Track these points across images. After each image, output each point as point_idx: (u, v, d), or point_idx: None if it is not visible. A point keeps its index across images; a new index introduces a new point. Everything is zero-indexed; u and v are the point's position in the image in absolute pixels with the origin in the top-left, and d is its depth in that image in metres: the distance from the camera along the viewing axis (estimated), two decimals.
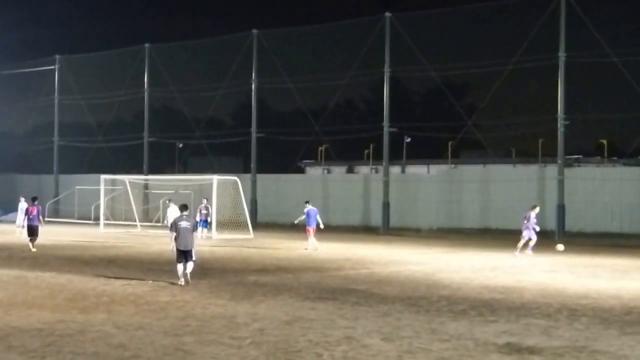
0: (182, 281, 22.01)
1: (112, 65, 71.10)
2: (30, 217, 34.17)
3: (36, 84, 74.04)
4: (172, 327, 14.93)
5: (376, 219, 56.91)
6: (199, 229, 38.44)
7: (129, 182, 54.70)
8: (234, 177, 47.34)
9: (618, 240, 46.02)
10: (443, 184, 57.55)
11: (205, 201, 43.64)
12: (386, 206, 56.14)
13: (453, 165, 69.45)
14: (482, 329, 15.40)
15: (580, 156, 63.74)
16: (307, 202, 39.05)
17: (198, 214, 42.41)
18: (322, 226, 37.87)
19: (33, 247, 33.68)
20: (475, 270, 27.88)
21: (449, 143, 69.30)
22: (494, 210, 54.28)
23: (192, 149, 72.25)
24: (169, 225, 24.44)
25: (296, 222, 38.99)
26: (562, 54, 49.13)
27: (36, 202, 34.94)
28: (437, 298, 19.84)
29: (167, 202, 45.14)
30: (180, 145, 76.02)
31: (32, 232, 34.03)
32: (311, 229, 37.29)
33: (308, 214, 37.63)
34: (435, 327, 15.52)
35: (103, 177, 51.97)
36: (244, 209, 45.92)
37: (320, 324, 15.65)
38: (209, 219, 42.71)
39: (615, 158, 66.79)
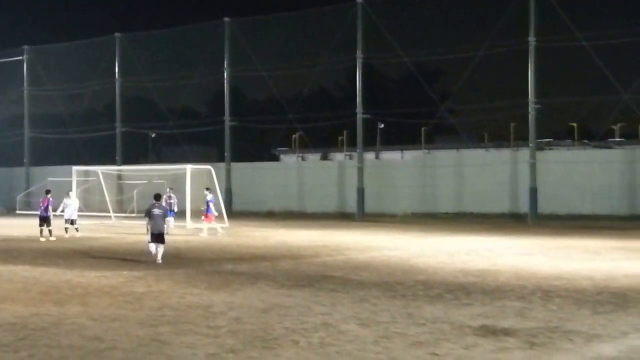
0: (156, 257, 24.86)
1: (82, 56, 70.61)
2: (43, 208, 35.55)
3: (5, 76, 73.46)
4: (148, 318, 14.91)
5: (351, 205, 57.02)
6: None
7: (102, 173, 54.41)
8: (208, 166, 47.24)
9: (590, 221, 46.37)
10: (417, 169, 57.72)
11: (169, 190, 43.51)
12: (361, 192, 56.28)
13: (427, 151, 69.58)
14: (458, 312, 15.50)
15: (552, 139, 64.01)
16: (207, 189, 39.61)
17: (164, 204, 42.26)
18: (216, 213, 39.41)
19: (42, 236, 35.17)
20: (451, 254, 28.01)
21: (422, 129, 69.44)
22: (468, 194, 54.53)
23: (165, 139, 72.05)
24: (145, 214, 26.48)
25: (203, 209, 39.50)
26: (532, 39, 49.39)
27: (49, 195, 36.32)
28: (413, 283, 19.92)
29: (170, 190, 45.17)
30: (153, 135, 75.70)
31: (44, 222, 35.42)
32: (212, 215, 38.52)
33: (210, 202, 38.33)
34: (412, 311, 15.60)
35: (75, 168, 51.67)
36: (218, 198, 45.85)
37: (296, 311, 15.68)
38: (175, 209, 42.57)
39: (585, 141, 67.16)
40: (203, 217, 38.85)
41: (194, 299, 17.39)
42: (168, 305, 16.41)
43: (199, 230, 38.54)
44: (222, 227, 39.69)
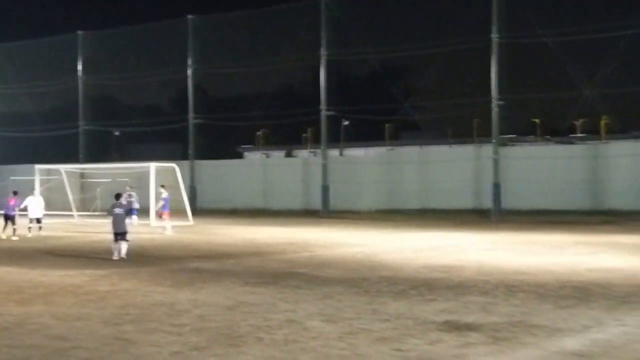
0: (115, 255, 25.18)
1: (45, 54, 70.11)
2: (9, 206, 35.89)
3: None
4: (112, 317, 14.85)
5: (316, 202, 57.09)
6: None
7: (65, 171, 54.00)
8: (172, 164, 47.06)
9: (552, 216, 46.72)
10: (382, 166, 57.91)
11: (128, 189, 43.30)
12: (326, 189, 56.34)
13: (391, 148, 69.77)
14: (422, 307, 15.56)
15: (515, 136, 64.42)
16: (162, 186, 39.63)
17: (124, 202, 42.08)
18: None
19: (4, 232, 35.57)
20: (416, 250, 28.12)
21: (387, 125, 69.61)
22: (433, 190, 54.80)
23: (130, 137, 71.77)
24: (107, 213, 27.53)
25: (157, 208, 39.55)
26: (494, 36, 49.70)
27: (16, 195, 36.71)
28: (377, 279, 19.97)
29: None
30: (117, 133, 75.33)
31: (9, 220, 35.73)
32: (167, 213, 38.67)
33: (165, 200, 38.69)
34: (376, 307, 15.64)
35: (37, 167, 51.27)
36: (182, 196, 45.70)
37: (261, 308, 15.68)
38: (136, 207, 42.37)
39: (548, 137, 67.67)
40: (161, 215, 38.81)
41: (158, 297, 17.33)
42: (132, 304, 16.34)
43: (163, 229, 38.41)
44: (172, 227, 39.40)
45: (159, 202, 39.44)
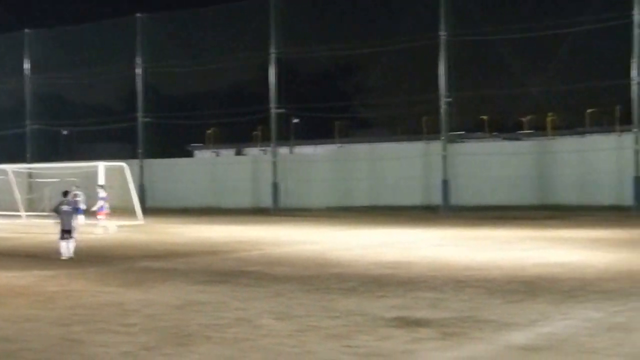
0: (65, 256, 24.92)
1: None
2: None
3: None
4: (61, 317, 14.74)
5: (267, 200, 57.10)
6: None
7: (12, 171, 53.45)
8: (122, 163, 46.77)
9: (501, 212, 47.16)
10: (332, 163, 58.06)
11: (74, 188, 42.96)
12: (276, 187, 56.37)
13: (341, 145, 69.96)
14: (372, 304, 15.65)
15: (464, 132, 64.91)
16: (100, 186, 39.54)
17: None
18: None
19: None
20: (366, 247, 28.25)
21: (336, 123, 69.78)
22: (383, 187, 55.06)
23: (79, 136, 71.13)
24: (53, 211, 27.01)
25: (95, 208, 39.38)
26: (442, 34, 50.08)
27: None
28: (328, 276, 20.04)
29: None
30: (65, 133, 74.65)
31: None
32: (104, 212, 38.45)
33: (103, 199, 38.67)
34: (326, 304, 15.70)
35: None
36: (132, 195, 45.45)
37: (212, 307, 15.66)
38: (82, 206, 42.02)
39: (496, 133, 68.26)
40: (98, 215, 38.45)
41: (107, 297, 17.24)
42: (81, 304, 16.24)
43: (106, 229, 38.05)
44: (121, 226, 39.12)
45: (97, 202, 39.11)
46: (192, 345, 12.20)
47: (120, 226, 38.49)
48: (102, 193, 39.04)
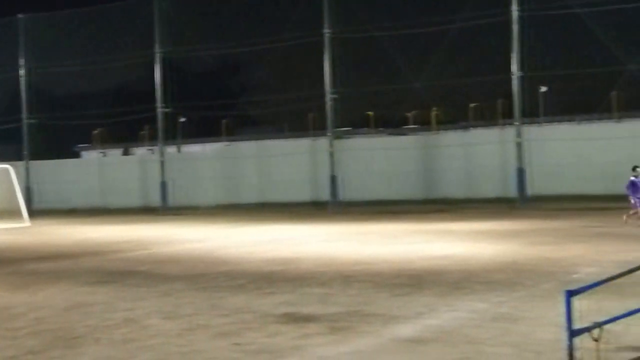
0: None
1: None
2: None
3: None
4: None
5: (155, 199, 56.72)
6: None
7: None
8: (6, 165, 45.90)
9: (388, 206, 47.79)
10: (220, 161, 57.99)
11: None
12: (164, 186, 56.04)
13: (228, 143, 69.87)
14: (261, 301, 15.73)
15: (350, 128, 65.46)
16: None
17: None
18: None
19: None
20: (255, 244, 28.32)
21: (224, 121, 69.65)
22: (271, 184, 55.24)
23: None
24: None
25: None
26: (327, 31, 50.49)
27: None
28: (216, 274, 20.04)
29: None
30: None
31: None
32: None
33: None
34: (215, 302, 15.72)
35: None
36: (18, 197, 44.67)
37: (99, 308, 15.54)
38: None
39: (381, 129, 68.98)
40: None
41: None
42: None
43: None
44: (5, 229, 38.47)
45: None
46: (80, 347, 12.10)
47: (5, 229, 37.75)
48: None
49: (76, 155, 78.95)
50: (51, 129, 63.80)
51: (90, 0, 61.08)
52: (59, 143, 72.70)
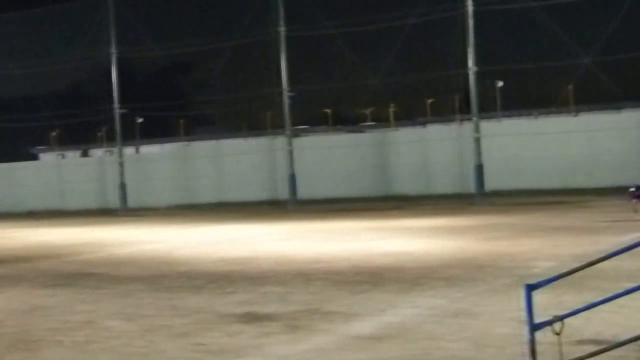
0: None
1: None
2: None
3: None
4: None
5: (114, 201, 56.47)
6: None
7: None
8: None
9: (346, 204, 47.88)
10: (177, 162, 57.86)
11: None
12: (122, 187, 55.83)
13: (186, 143, 69.71)
14: (222, 300, 15.72)
15: (307, 126, 65.54)
16: None
17: None
18: None
19: None
20: (213, 244, 28.27)
21: (180, 121, 69.49)
22: (228, 183, 55.20)
23: None
24: None
25: None
26: (281, 28, 50.53)
27: None
28: (176, 275, 20.00)
29: None
30: None
31: None
32: None
33: None
34: (176, 303, 15.70)
35: None
36: None
37: (60, 310, 15.46)
38: None
39: (339, 126, 69.14)
40: None
41: None
42: None
43: None
44: None
45: None
46: (41, 350, 12.05)
47: None
48: None
49: (34, 157, 78.45)
50: (7, 131, 63.33)
51: (41, 2, 60.66)
52: (15, 146, 72.17)
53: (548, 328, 8.52)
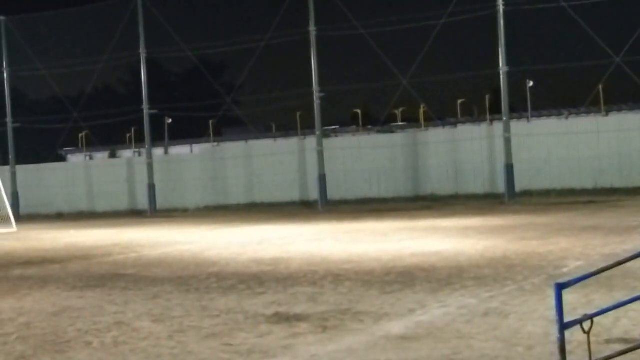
0: None
1: None
2: None
3: None
4: None
5: (143, 202, 56.62)
6: None
7: None
8: None
9: (377, 205, 47.83)
10: (207, 163, 57.94)
11: None
12: (152, 188, 55.91)
13: (216, 144, 69.76)
14: (251, 301, 15.65)
15: (338, 127, 65.45)
16: None
17: None
18: None
19: None
20: (243, 245, 28.23)
21: (210, 122, 69.53)
22: (258, 184, 55.19)
23: None
24: None
25: None
26: (312, 29, 50.45)
27: None
28: (206, 276, 19.96)
29: None
30: None
31: None
32: None
33: None
34: (206, 304, 15.64)
35: None
36: (5, 203, 44.51)
37: (89, 312, 15.45)
38: None
39: (369, 127, 68.97)
40: None
41: None
42: None
43: None
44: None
45: None
46: (71, 352, 12.02)
47: None
48: None
49: (62, 158, 78.79)
50: (37, 132, 63.70)
51: (70, 2, 60.97)
52: (44, 147, 72.57)
53: (577, 327, 8.42)
